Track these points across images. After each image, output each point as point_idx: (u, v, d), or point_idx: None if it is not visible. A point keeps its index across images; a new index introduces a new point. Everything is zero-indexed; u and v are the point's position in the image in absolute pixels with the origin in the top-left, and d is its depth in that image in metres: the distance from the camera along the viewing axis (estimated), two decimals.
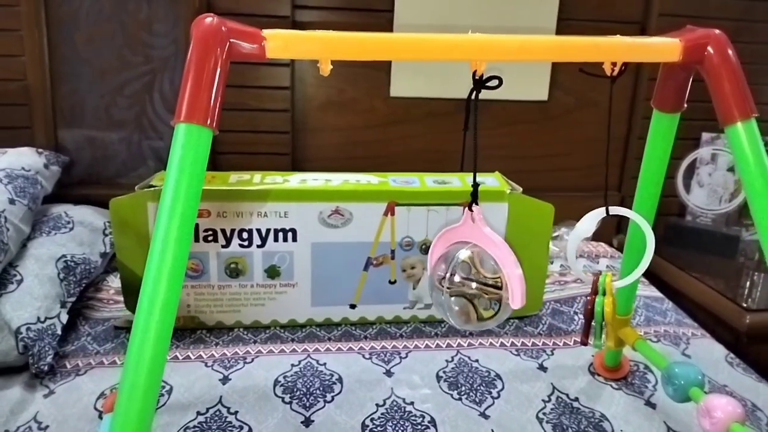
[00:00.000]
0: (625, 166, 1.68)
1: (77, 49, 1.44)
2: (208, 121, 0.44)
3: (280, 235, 1.08)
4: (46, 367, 0.94)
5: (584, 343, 0.90)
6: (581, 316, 1.18)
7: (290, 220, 1.07)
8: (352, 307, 1.13)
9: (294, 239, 1.08)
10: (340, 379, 0.96)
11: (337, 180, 1.11)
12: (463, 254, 0.67)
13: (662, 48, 0.54)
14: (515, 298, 0.62)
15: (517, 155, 1.61)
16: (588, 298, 0.89)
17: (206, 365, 0.99)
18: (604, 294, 0.86)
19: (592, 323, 0.87)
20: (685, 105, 0.64)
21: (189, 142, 0.44)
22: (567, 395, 0.93)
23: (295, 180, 1.10)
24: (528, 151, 1.63)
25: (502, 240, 0.64)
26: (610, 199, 1.66)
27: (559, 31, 1.50)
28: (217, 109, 0.44)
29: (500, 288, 0.64)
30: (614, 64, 0.51)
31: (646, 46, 0.53)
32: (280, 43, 0.46)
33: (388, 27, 1.47)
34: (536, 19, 1.50)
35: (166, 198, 0.44)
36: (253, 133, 1.50)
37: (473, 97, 0.49)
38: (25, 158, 1.26)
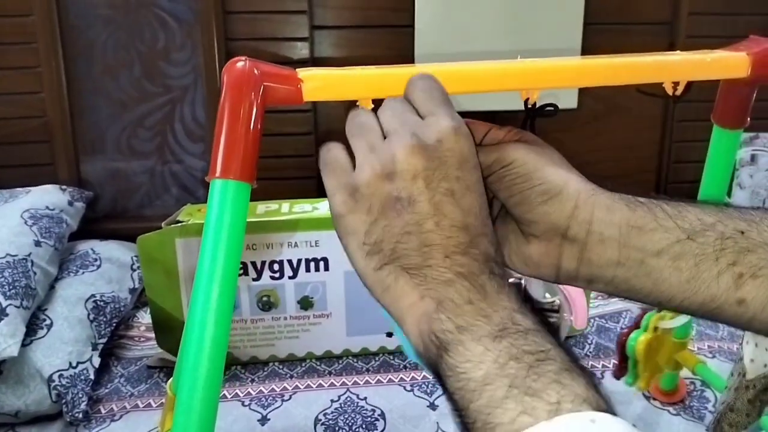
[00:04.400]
0: (661, 173, 1.63)
1: (96, 82, 1.43)
2: (246, 175, 0.41)
3: (312, 264, 1.04)
4: (80, 415, 0.91)
5: (616, 376, 0.87)
6: None
7: (321, 249, 1.04)
8: (389, 335, 1.09)
9: (326, 268, 1.05)
10: (382, 415, 0.92)
11: None
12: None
13: (728, 63, 0.49)
14: (579, 318, 0.58)
15: None
16: (624, 329, 0.85)
17: (243, 404, 0.96)
18: (645, 330, 0.82)
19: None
20: (749, 120, 0.60)
21: (226, 199, 0.40)
22: None
23: (324, 207, 1.06)
24: None
25: None
26: None
27: (586, 36, 1.45)
28: (254, 161, 0.41)
29: (556, 311, 0.60)
30: (676, 83, 0.47)
31: (711, 62, 0.49)
32: (318, 83, 0.43)
33: (408, 42, 1.44)
34: (562, 24, 1.46)
35: (205, 261, 0.41)
36: (277, 158, 1.47)
37: (527, 126, 0.45)
38: (48, 196, 1.25)
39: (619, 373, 0.86)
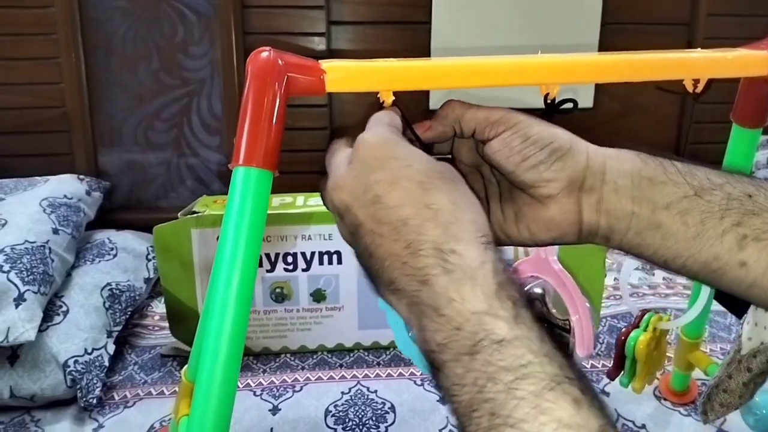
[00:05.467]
0: None
1: (114, 74, 1.44)
2: (269, 163, 0.41)
3: (325, 257, 1.05)
4: (94, 400, 0.92)
5: (610, 376, 0.86)
6: None
7: (335, 242, 1.04)
8: None
9: (339, 261, 1.05)
10: (392, 408, 0.92)
11: None
12: (537, 290, 0.63)
13: (749, 61, 0.49)
14: (584, 346, 0.58)
15: None
16: (624, 329, 0.84)
17: (255, 394, 0.97)
18: (645, 329, 0.81)
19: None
20: None
21: (249, 186, 0.41)
22: (633, 422, 0.88)
23: None
24: None
25: (572, 280, 0.60)
26: None
27: (603, 36, 1.45)
28: (277, 150, 0.42)
29: (568, 331, 0.60)
30: (696, 80, 0.47)
31: (732, 60, 0.49)
32: (340, 75, 0.43)
33: (425, 39, 1.44)
34: (580, 24, 1.45)
35: (226, 247, 0.41)
36: (291, 153, 1.48)
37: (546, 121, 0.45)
38: (66, 186, 1.26)
39: (614, 373, 0.85)
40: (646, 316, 0.82)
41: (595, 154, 0.41)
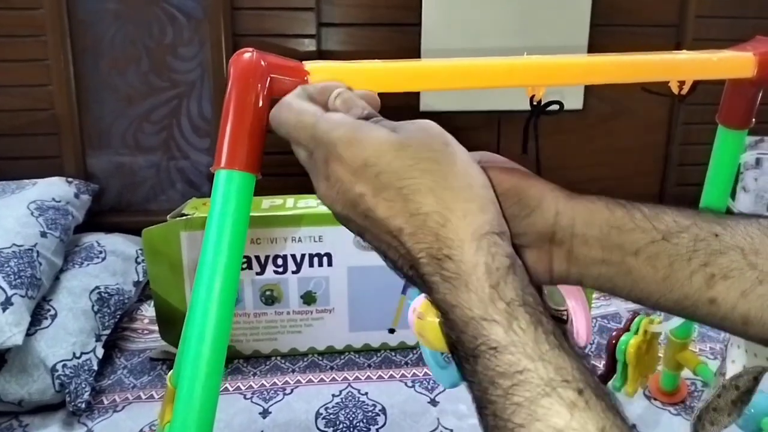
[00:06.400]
0: (666, 175, 1.62)
1: (103, 76, 1.43)
2: (251, 166, 0.41)
3: (316, 260, 1.05)
4: (83, 405, 0.92)
5: (602, 381, 0.86)
6: None
7: (325, 244, 1.04)
8: (391, 331, 1.10)
9: (330, 264, 1.05)
10: (383, 410, 0.92)
11: None
12: None
13: (735, 63, 0.49)
14: (581, 334, 0.58)
15: (553, 166, 1.56)
16: (614, 331, 0.84)
17: (245, 397, 0.96)
18: (636, 333, 0.81)
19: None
20: (753, 121, 0.60)
21: (231, 190, 0.41)
22: None
23: None
24: (564, 162, 1.58)
25: None
26: None
27: (592, 38, 1.45)
28: (260, 152, 0.41)
29: (564, 322, 0.60)
30: (682, 82, 0.47)
31: (718, 62, 0.49)
32: (324, 76, 0.43)
33: (415, 41, 1.44)
34: (569, 26, 1.45)
35: (208, 251, 0.41)
36: (280, 155, 1.46)
37: (532, 123, 0.45)
38: (55, 188, 1.25)
39: (606, 377, 0.85)
40: (636, 319, 0.82)
41: (564, 208, 0.42)
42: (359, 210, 0.36)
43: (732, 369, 0.66)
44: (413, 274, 0.36)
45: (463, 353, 0.33)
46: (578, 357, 0.32)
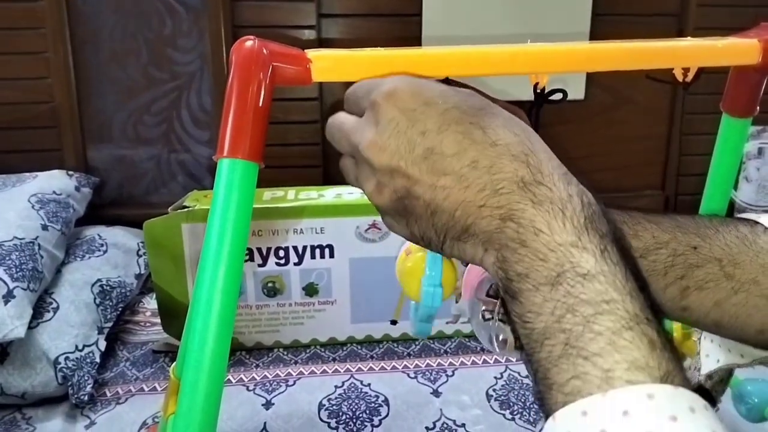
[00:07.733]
0: (668, 165, 1.62)
1: (102, 68, 1.43)
2: (254, 155, 0.41)
3: (317, 251, 1.05)
4: (86, 397, 0.92)
5: None
6: None
7: (327, 236, 1.04)
8: (393, 323, 1.10)
9: (331, 255, 1.05)
10: (386, 401, 0.92)
11: None
12: None
13: (739, 49, 0.49)
14: None
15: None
16: None
17: (248, 389, 0.96)
18: None
19: None
20: (758, 109, 0.60)
21: (233, 179, 0.40)
22: None
23: (330, 194, 1.06)
24: (566, 152, 1.57)
25: None
26: (652, 199, 1.62)
27: (594, 27, 1.44)
28: (263, 141, 0.41)
29: None
30: (686, 69, 0.47)
31: (722, 48, 0.49)
32: (327, 64, 0.43)
33: (416, 31, 1.43)
34: (571, 14, 1.44)
35: (211, 241, 0.40)
36: (283, 147, 1.47)
37: (535, 111, 0.45)
38: (55, 181, 1.25)
39: None
40: None
41: None
42: (418, 151, 0.35)
43: (706, 363, 0.66)
44: (477, 218, 0.34)
45: (534, 283, 0.31)
46: (656, 303, 0.32)
